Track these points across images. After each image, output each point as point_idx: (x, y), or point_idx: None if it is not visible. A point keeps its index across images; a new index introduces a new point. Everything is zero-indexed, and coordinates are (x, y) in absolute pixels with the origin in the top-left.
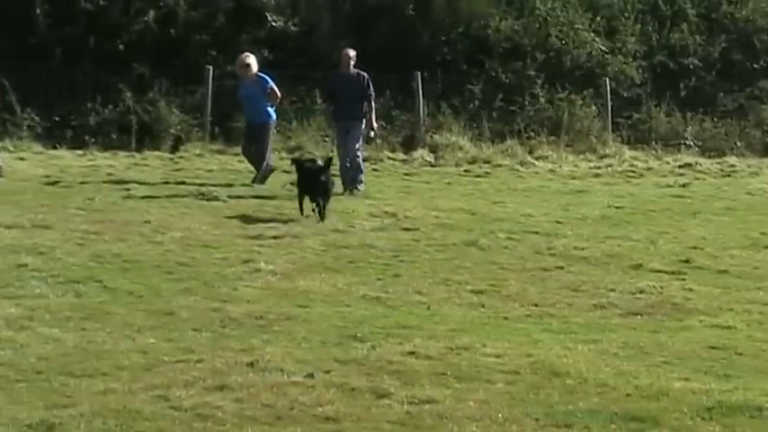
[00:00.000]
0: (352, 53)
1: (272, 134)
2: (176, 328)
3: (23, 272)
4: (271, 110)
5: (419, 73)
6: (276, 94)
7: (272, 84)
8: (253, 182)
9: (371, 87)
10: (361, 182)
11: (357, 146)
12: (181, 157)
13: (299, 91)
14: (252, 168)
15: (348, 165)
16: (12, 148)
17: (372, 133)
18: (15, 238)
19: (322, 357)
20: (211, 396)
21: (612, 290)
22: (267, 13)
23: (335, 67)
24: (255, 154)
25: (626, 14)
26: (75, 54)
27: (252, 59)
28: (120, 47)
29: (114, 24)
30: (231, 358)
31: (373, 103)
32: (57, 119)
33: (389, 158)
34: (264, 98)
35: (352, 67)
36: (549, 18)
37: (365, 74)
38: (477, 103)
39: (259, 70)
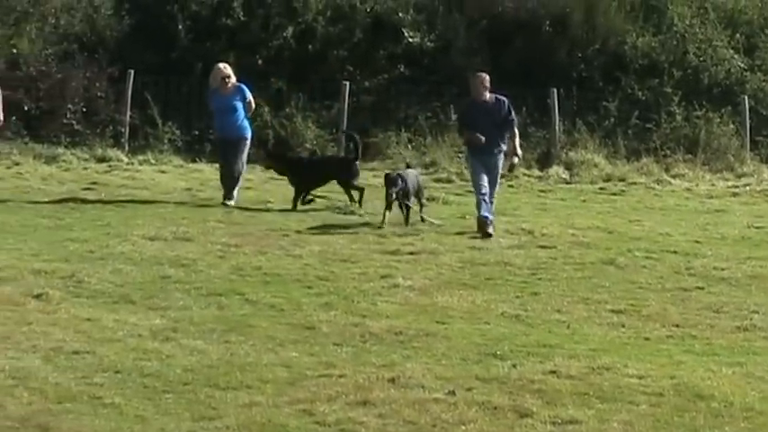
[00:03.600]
0: (486, 77)
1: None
2: (318, 343)
3: (167, 284)
4: (247, 123)
5: (555, 89)
6: (252, 106)
7: (250, 94)
8: (225, 201)
9: (513, 113)
10: (491, 222)
11: (494, 186)
12: None
13: (433, 107)
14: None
15: (485, 197)
16: (153, 161)
17: (516, 160)
18: (158, 249)
19: (463, 374)
20: (354, 411)
21: (755, 312)
22: (404, 29)
23: (464, 87)
24: (235, 171)
25: (766, 31)
26: None
27: (230, 70)
28: (259, 62)
29: (254, 40)
30: (373, 374)
31: (516, 130)
32: (196, 133)
33: (525, 175)
34: (244, 110)
35: (487, 92)
36: (686, 35)
37: (504, 98)
38: (612, 120)
39: (237, 80)
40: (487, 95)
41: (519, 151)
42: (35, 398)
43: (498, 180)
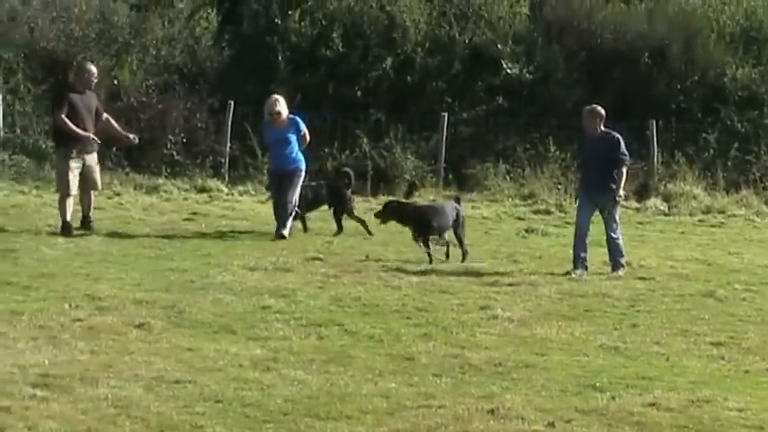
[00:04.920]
0: (598, 111)
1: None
2: (417, 374)
3: (267, 314)
4: (302, 156)
5: (654, 121)
6: (307, 138)
7: (304, 127)
8: (281, 232)
9: (623, 150)
10: (622, 265)
11: (613, 222)
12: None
13: (532, 138)
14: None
15: (582, 240)
16: (253, 192)
17: (619, 198)
18: (258, 280)
19: (562, 406)
20: None
21: None
22: (502, 61)
23: (563, 119)
24: (288, 204)
25: None
26: (315, 100)
27: (283, 103)
28: (358, 93)
29: (353, 71)
30: (472, 405)
31: (624, 169)
32: None
33: (623, 207)
34: (299, 143)
35: (599, 128)
36: None
37: (616, 134)
38: (711, 151)
39: (291, 112)
40: (599, 130)
41: (621, 192)
42: (137, 426)
43: (615, 217)
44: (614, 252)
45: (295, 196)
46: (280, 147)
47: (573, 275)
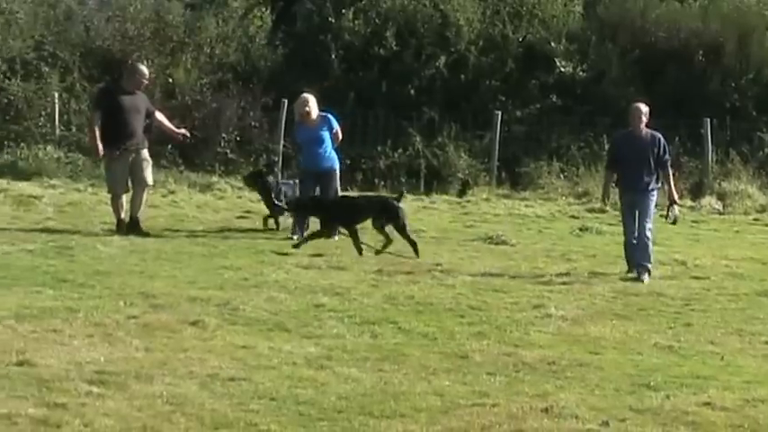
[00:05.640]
0: (644, 109)
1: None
2: (471, 372)
3: (321, 312)
4: (335, 154)
5: (708, 119)
6: (339, 136)
7: (337, 124)
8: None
9: (667, 151)
10: (648, 270)
11: (647, 222)
12: (468, 201)
13: (586, 136)
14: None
15: (635, 242)
16: None
17: (677, 209)
18: (312, 278)
19: (616, 405)
20: None
21: None
22: (556, 59)
23: (616, 117)
24: None
25: None
26: (368, 98)
27: (314, 102)
28: (411, 91)
29: (406, 69)
30: (526, 403)
31: (670, 171)
32: (348, 162)
33: (677, 205)
34: (331, 141)
35: (643, 126)
36: None
37: (659, 135)
38: (766, 150)
39: (322, 110)
40: (643, 129)
41: (676, 197)
42: (192, 424)
43: (648, 220)
44: (643, 255)
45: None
46: (313, 146)
47: (641, 281)
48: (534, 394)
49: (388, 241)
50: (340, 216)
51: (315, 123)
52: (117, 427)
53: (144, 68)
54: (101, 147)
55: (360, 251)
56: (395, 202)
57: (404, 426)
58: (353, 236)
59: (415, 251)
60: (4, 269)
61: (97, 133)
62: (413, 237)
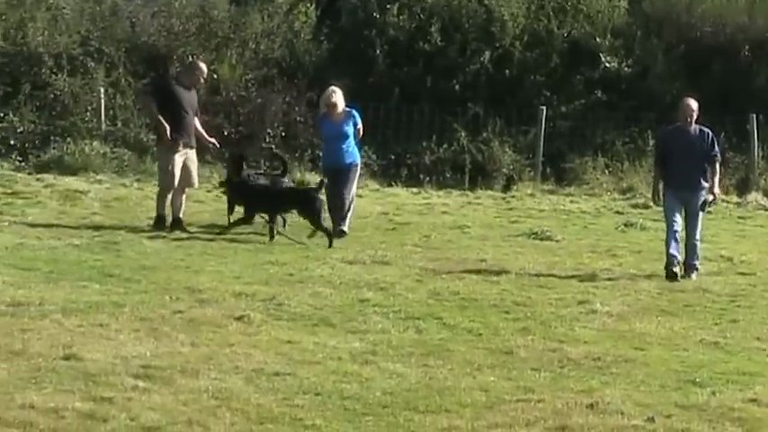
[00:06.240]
0: (694, 105)
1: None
2: (515, 368)
3: (365, 307)
4: (357, 149)
5: (754, 115)
6: (361, 132)
7: (360, 120)
8: (342, 229)
9: (716, 147)
10: (696, 268)
11: (697, 222)
12: (513, 197)
13: (631, 132)
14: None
15: (677, 238)
16: None
17: (711, 197)
18: (357, 273)
19: (662, 401)
20: None
21: None
22: (601, 54)
23: (661, 113)
24: (345, 200)
25: None
26: (413, 94)
27: (340, 95)
28: (456, 87)
29: (451, 64)
30: (571, 399)
31: (718, 167)
32: (393, 157)
33: (723, 201)
34: (354, 136)
35: (693, 122)
36: None
37: (708, 131)
38: None
39: (347, 105)
40: (693, 125)
41: (717, 190)
42: (237, 418)
43: (699, 219)
44: (692, 254)
45: (353, 192)
46: (336, 141)
47: (673, 279)
48: (579, 390)
49: (313, 232)
50: (261, 203)
51: (339, 118)
52: (163, 422)
53: (204, 66)
54: (168, 129)
55: (272, 237)
56: (314, 193)
57: (449, 421)
58: (270, 222)
59: (329, 241)
60: (51, 264)
61: (160, 117)
62: (325, 226)
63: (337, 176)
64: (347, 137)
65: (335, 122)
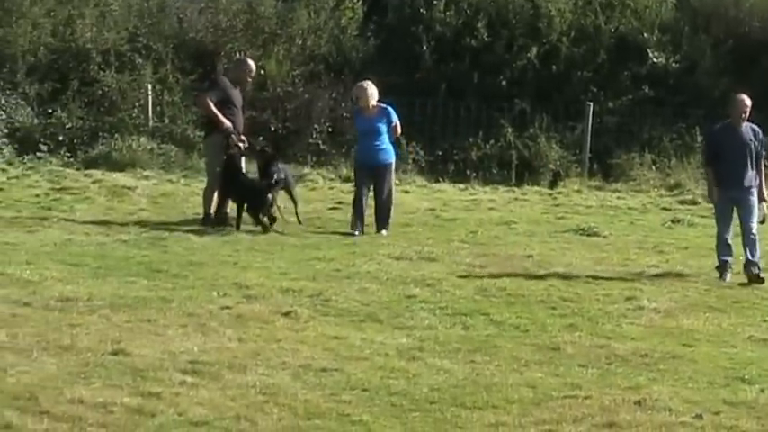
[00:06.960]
0: (748, 102)
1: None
2: (563, 364)
3: (412, 303)
4: (392, 147)
5: None
6: (398, 130)
7: (396, 117)
8: (381, 230)
9: (764, 146)
10: (758, 265)
11: (752, 221)
12: (559, 193)
13: (678, 128)
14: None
15: (729, 241)
16: (398, 182)
17: (766, 207)
18: (403, 269)
19: (710, 398)
20: None
21: None
22: (648, 50)
23: (710, 109)
24: (385, 203)
25: None
26: (459, 90)
27: (373, 90)
28: (503, 83)
29: (497, 60)
30: (618, 395)
31: (763, 168)
32: (439, 153)
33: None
34: (389, 133)
35: (745, 120)
36: None
37: (758, 129)
38: None
39: (379, 100)
40: (744, 123)
41: (766, 194)
42: (285, 414)
43: (753, 218)
44: (753, 250)
45: (391, 190)
46: (369, 137)
47: (722, 282)
48: (627, 387)
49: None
50: (231, 192)
51: (373, 113)
52: (210, 417)
53: (252, 64)
54: (224, 120)
55: (237, 227)
56: (263, 188)
57: (496, 417)
58: (238, 212)
59: (264, 232)
60: (99, 259)
61: (216, 110)
62: (263, 220)
63: (370, 175)
64: (380, 133)
65: (369, 117)
